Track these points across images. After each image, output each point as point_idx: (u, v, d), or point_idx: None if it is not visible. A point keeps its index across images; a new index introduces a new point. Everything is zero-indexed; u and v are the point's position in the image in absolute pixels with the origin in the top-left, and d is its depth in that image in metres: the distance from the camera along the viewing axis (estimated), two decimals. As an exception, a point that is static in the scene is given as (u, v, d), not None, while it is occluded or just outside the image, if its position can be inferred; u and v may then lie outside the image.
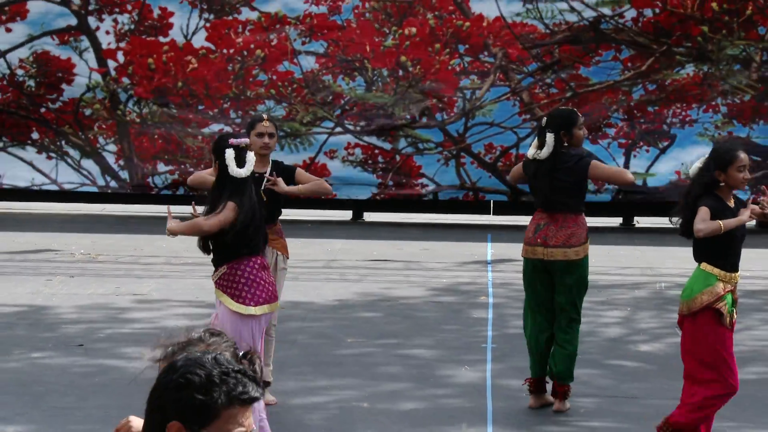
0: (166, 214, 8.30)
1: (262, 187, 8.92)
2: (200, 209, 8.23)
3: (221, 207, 7.71)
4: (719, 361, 7.94)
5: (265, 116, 9.28)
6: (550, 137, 9.22)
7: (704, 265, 7.98)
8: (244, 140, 7.97)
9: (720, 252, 8.00)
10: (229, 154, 7.72)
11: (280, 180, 9.01)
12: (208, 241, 7.92)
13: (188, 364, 3.31)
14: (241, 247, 7.84)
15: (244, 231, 7.78)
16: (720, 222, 7.94)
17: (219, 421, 3.24)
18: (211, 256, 8.03)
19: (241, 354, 4.02)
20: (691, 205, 8.06)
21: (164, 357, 4.08)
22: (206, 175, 9.25)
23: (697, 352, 7.93)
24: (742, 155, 8.09)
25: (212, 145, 7.97)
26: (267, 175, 9.00)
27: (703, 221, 7.91)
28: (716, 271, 7.94)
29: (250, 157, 7.79)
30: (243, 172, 7.76)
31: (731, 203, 8.13)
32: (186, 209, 17.49)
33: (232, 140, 7.84)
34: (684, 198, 8.18)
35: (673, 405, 9.48)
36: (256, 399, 3.31)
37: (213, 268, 8.19)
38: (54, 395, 9.43)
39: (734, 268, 8.05)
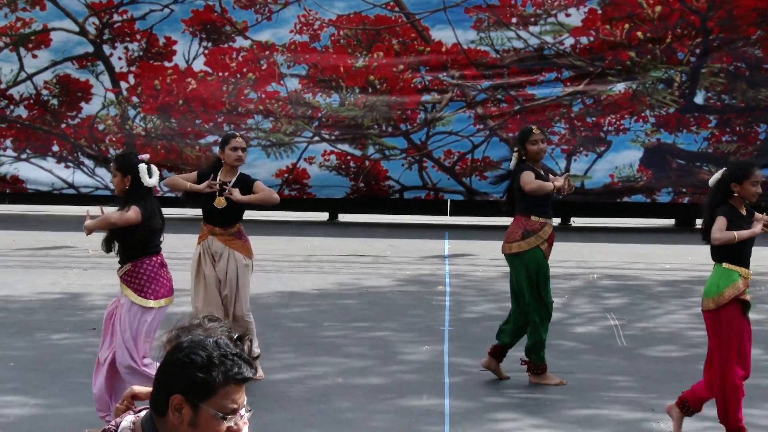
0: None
1: (223, 195, 9.16)
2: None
3: (127, 208, 7.78)
4: (741, 349, 7.86)
5: (237, 134, 9.45)
6: (515, 154, 9.38)
7: (725, 264, 7.89)
8: (147, 156, 8.08)
9: (737, 253, 7.90)
10: (143, 167, 7.79)
11: (235, 190, 9.14)
12: (112, 241, 7.94)
13: (192, 345, 3.29)
14: (143, 248, 7.87)
15: (146, 233, 7.84)
16: (735, 233, 7.82)
17: (216, 397, 3.23)
18: (117, 254, 8.02)
19: (235, 336, 3.99)
20: (709, 211, 7.93)
21: (169, 340, 4.08)
22: (180, 179, 9.46)
23: (724, 342, 7.79)
24: (757, 172, 7.91)
25: (121, 161, 7.87)
26: (230, 185, 9.18)
27: (720, 231, 7.80)
28: (736, 268, 7.86)
29: (155, 169, 7.88)
30: (152, 182, 7.84)
31: (743, 211, 7.98)
32: (185, 210, 17.52)
33: (141, 156, 7.91)
34: (705, 206, 8.07)
35: (601, 379, 9.57)
36: (249, 379, 3.29)
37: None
38: (70, 372, 9.42)
39: (748, 266, 7.97)
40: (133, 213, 7.75)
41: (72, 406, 8.69)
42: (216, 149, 16.33)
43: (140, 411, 3.41)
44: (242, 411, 3.31)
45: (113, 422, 3.39)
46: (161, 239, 8.05)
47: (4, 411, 8.57)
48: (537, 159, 9.32)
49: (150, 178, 7.82)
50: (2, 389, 8.98)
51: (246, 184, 9.33)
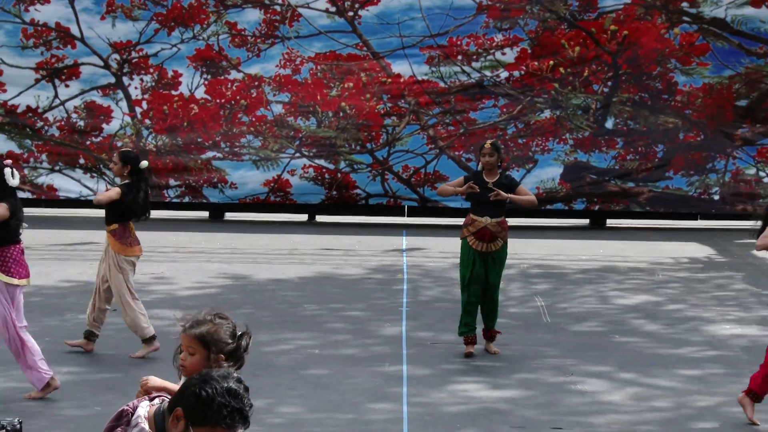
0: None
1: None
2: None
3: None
4: None
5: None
6: None
7: None
8: (10, 161, 8.24)
9: None
10: (8, 171, 7.89)
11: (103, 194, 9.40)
12: None
13: (210, 380, 3.21)
14: (9, 237, 7.95)
15: (10, 225, 7.93)
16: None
17: (205, 428, 3.17)
18: None
19: (238, 334, 4.07)
20: (763, 220, 7.73)
21: (185, 326, 4.06)
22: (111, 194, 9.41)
23: None
24: None
25: None
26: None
27: (764, 237, 7.59)
28: None
29: (16, 173, 7.98)
30: (15, 182, 7.95)
31: None
32: (189, 214, 17.47)
33: (5, 161, 8.07)
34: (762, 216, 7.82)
35: (531, 350, 9.66)
36: (236, 429, 3.18)
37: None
38: (96, 345, 9.37)
39: None
40: (2, 209, 7.84)
41: (95, 372, 8.76)
42: (216, 164, 16.45)
43: (154, 399, 3.36)
44: None
45: (131, 404, 3.35)
46: (21, 231, 8.13)
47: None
48: (486, 168, 9.31)
49: (13, 179, 7.93)
50: (49, 359, 8.98)
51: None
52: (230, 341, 4.04)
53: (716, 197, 16.69)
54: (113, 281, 9.18)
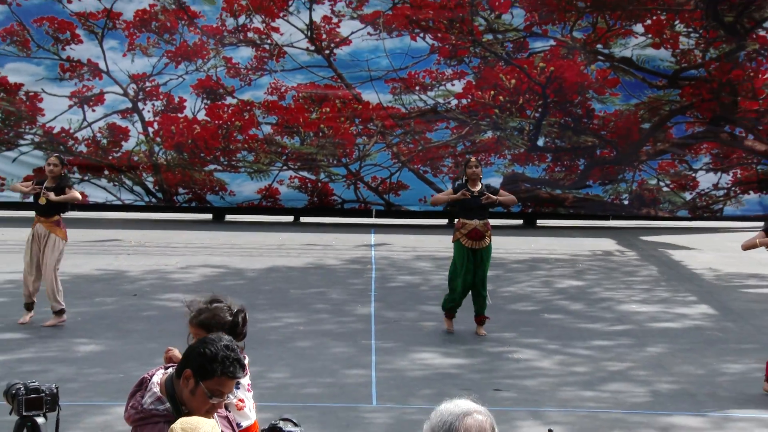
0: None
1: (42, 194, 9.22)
2: None
3: None
4: None
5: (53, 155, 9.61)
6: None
7: None
8: None
9: None
10: None
11: (51, 194, 9.18)
12: None
13: (209, 342, 3.17)
14: None
15: None
16: (757, 240, 7.15)
17: (212, 381, 3.13)
18: None
19: (235, 310, 4.02)
20: (765, 221, 7.34)
21: (190, 318, 3.99)
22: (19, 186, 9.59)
23: None
24: None
25: None
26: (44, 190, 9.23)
27: (748, 240, 7.21)
28: None
29: None
30: None
31: None
32: (195, 215, 17.34)
33: None
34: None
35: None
36: (237, 377, 3.18)
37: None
38: (119, 323, 9.36)
39: None
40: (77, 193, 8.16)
41: (120, 345, 8.70)
42: (218, 175, 16.42)
43: (168, 368, 3.30)
44: (228, 396, 3.21)
45: (150, 372, 3.29)
46: None
47: (76, 348, 8.58)
48: (472, 179, 9.23)
49: None
50: (74, 335, 8.99)
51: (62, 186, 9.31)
52: (229, 318, 4.00)
53: (626, 202, 16.90)
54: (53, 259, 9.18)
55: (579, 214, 17.01)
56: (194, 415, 3.09)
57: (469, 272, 9.22)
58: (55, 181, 9.25)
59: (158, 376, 3.24)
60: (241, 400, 4.17)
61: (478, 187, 9.30)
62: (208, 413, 3.14)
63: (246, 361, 4.34)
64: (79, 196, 9.49)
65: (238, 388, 4.18)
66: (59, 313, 9.23)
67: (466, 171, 9.35)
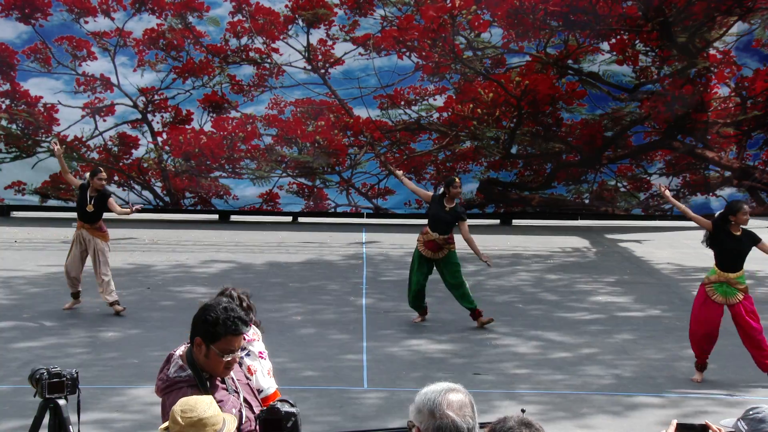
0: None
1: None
2: None
3: None
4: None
5: (102, 169, 9.76)
6: (441, 189, 9.41)
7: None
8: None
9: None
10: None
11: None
12: None
13: (209, 308, 3.22)
14: None
15: None
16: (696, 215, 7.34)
17: (220, 342, 3.16)
18: None
19: (244, 305, 4.08)
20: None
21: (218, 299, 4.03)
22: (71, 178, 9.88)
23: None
24: (746, 207, 7.14)
25: None
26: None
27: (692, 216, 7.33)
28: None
29: None
30: None
31: (738, 232, 7.15)
32: (203, 216, 17.24)
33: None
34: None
35: (457, 316, 9.66)
36: (242, 332, 3.18)
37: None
38: (135, 313, 9.34)
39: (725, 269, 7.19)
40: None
41: (138, 331, 8.70)
42: (222, 181, 16.39)
43: (189, 344, 3.33)
44: (238, 352, 3.24)
45: (175, 349, 3.32)
46: None
47: (99, 335, 8.56)
48: (449, 196, 9.18)
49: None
50: (95, 324, 8.97)
51: (104, 198, 9.53)
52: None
53: (587, 201, 17.01)
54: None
55: (546, 212, 17.08)
56: (215, 374, 3.17)
57: (422, 273, 9.14)
58: (98, 191, 9.48)
59: (180, 350, 3.29)
60: (249, 368, 4.15)
61: (452, 205, 9.21)
62: (226, 369, 3.20)
63: (260, 337, 4.33)
64: (119, 209, 9.63)
65: (249, 356, 4.18)
66: (76, 295, 9.40)
67: (450, 189, 9.20)
